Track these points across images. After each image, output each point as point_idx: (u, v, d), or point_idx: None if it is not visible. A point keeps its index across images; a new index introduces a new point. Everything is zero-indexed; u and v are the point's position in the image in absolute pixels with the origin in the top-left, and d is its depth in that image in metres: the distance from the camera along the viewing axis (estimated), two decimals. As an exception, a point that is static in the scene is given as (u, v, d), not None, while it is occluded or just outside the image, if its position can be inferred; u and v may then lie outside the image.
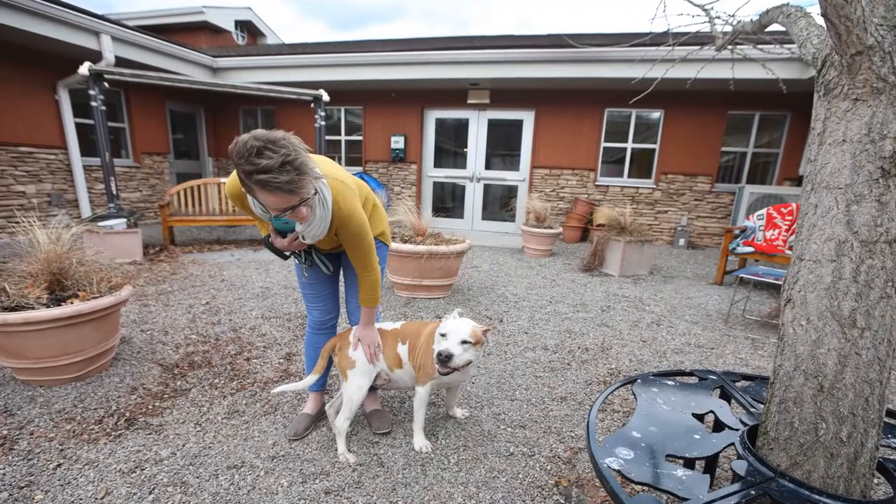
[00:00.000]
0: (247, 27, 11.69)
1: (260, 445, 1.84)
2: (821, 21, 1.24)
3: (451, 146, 8.21)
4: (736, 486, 1.07)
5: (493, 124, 7.83)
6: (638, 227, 5.24)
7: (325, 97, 6.23)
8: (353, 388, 1.79)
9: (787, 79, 4.93)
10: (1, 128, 5.46)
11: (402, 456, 1.81)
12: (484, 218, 8.26)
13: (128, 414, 2.03)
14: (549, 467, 1.77)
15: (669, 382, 1.59)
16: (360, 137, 8.46)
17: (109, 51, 5.60)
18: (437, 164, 8.29)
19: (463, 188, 8.22)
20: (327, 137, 8.30)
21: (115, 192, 5.19)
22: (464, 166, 8.13)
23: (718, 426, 1.38)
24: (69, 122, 6.10)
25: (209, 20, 10.09)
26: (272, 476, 1.66)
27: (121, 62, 5.83)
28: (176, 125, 8.31)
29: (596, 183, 7.54)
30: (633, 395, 1.50)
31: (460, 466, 1.76)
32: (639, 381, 1.58)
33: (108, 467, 1.68)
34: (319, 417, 2.04)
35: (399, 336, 1.89)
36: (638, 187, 7.40)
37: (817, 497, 1.04)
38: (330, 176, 1.52)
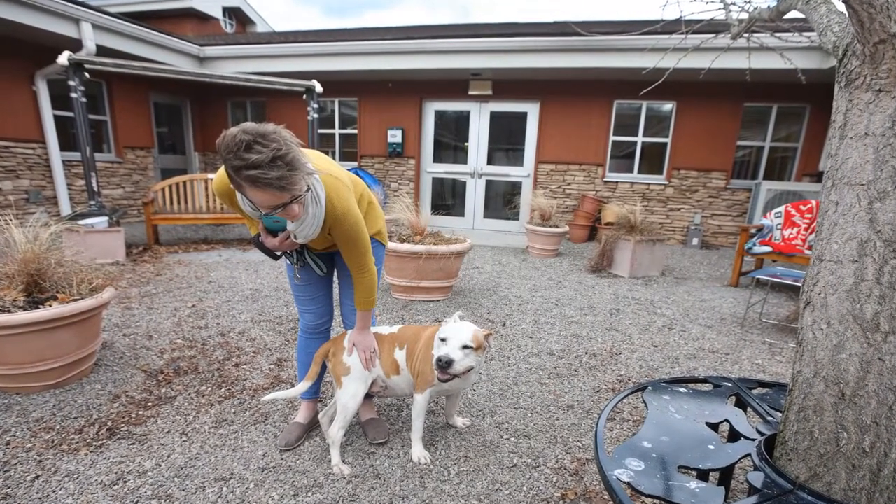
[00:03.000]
0: (235, 14, 11.69)
1: (249, 456, 1.84)
2: (842, 7, 1.24)
3: (452, 140, 8.21)
4: (752, 500, 1.07)
5: (495, 117, 7.83)
6: (649, 226, 5.24)
7: (319, 88, 6.23)
8: (347, 396, 1.79)
9: (807, 69, 4.93)
10: (-25, 121, 5.47)
11: (399, 467, 1.81)
12: (486, 216, 8.26)
13: (109, 423, 2.03)
14: (554, 479, 1.78)
15: (682, 390, 1.59)
16: (355, 131, 8.46)
17: (90, 39, 5.60)
18: (437, 159, 8.29)
19: (464, 184, 8.23)
20: (320, 131, 8.29)
21: (96, 189, 5.19)
22: (465, 161, 8.14)
23: (734, 436, 1.38)
24: (48, 114, 6.09)
25: (195, 7, 10.08)
26: (262, 489, 1.66)
27: (102, 51, 5.82)
28: (161, 118, 8.31)
29: (604, 179, 7.54)
30: (644, 403, 1.50)
31: (461, 478, 1.76)
32: (650, 388, 1.59)
33: (88, 479, 1.68)
34: (312, 427, 2.04)
35: (396, 341, 1.89)
36: (649, 183, 7.40)
37: (838, 511, 1.04)
38: (323, 171, 1.52)
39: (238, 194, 1.47)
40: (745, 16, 2.84)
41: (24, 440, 1.89)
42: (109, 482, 1.67)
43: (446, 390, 1.91)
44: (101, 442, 1.90)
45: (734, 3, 2.92)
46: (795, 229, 4.70)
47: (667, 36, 4.48)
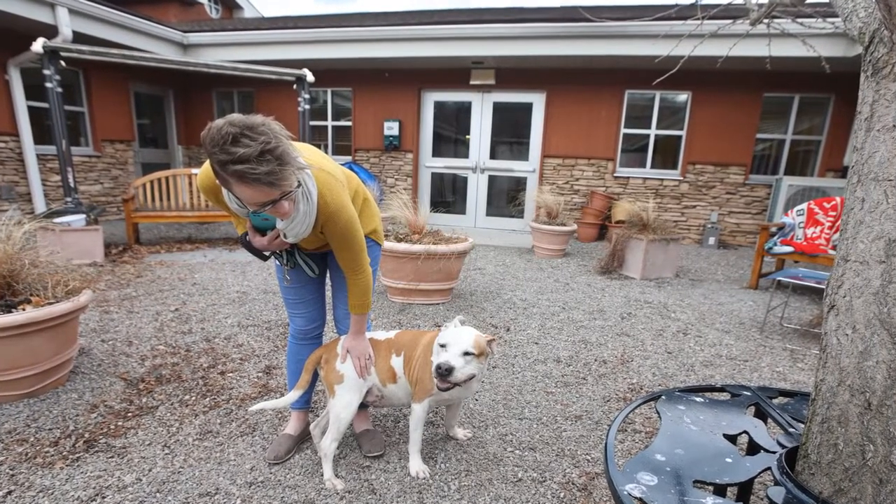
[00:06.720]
0: (221, -1, 11.70)
1: (236, 470, 1.84)
2: (868, -9, 1.24)
3: (452, 133, 8.21)
4: (773, 516, 1.07)
5: (498, 108, 7.84)
6: (662, 224, 5.24)
7: (310, 77, 6.24)
8: (341, 406, 1.79)
9: (831, 57, 4.94)
10: (-56, 112, 5.47)
11: (396, 482, 1.81)
12: (488, 214, 8.27)
13: (87, 435, 2.03)
14: (562, 494, 1.78)
15: (698, 399, 1.59)
16: (349, 123, 8.47)
17: (66, 25, 5.60)
18: (436, 153, 8.30)
19: (465, 180, 8.23)
20: (312, 123, 8.31)
21: (72, 185, 5.19)
22: (466, 156, 8.14)
23: (753, 448, 1.38)
24: (21, 105, 6.10)
25: (179, -9, 10.10)
26: (250, 505, 1.66)
27: (79, 38, 5.82)
28: (142, 109, 8.31)
29: (615, 174, 7.54)
30: (657, 413, 1.50)
31: (462, 494, 1.76)
32: (663, 397, 1.59)
33: (64, 495, 1.68)
34: (303, 438, 2.04)
35: (393, 347, 1.89)
36: (662, 179, 7.41)
37: (864, 528, 1.04)
38: (315, 166, 1.52)
39: (224, 191, 1.47)
40: (764, 0, 2.84)
41: (-5, 453, 1.89)
42: (87, 498, 1.67)
43: (446, 400, 1.91)
44: (77, 455, 1.90)
45: (753, -13, 2.93)
46: (819, 228, 4.70)
47: (681, 22, 4.49)
